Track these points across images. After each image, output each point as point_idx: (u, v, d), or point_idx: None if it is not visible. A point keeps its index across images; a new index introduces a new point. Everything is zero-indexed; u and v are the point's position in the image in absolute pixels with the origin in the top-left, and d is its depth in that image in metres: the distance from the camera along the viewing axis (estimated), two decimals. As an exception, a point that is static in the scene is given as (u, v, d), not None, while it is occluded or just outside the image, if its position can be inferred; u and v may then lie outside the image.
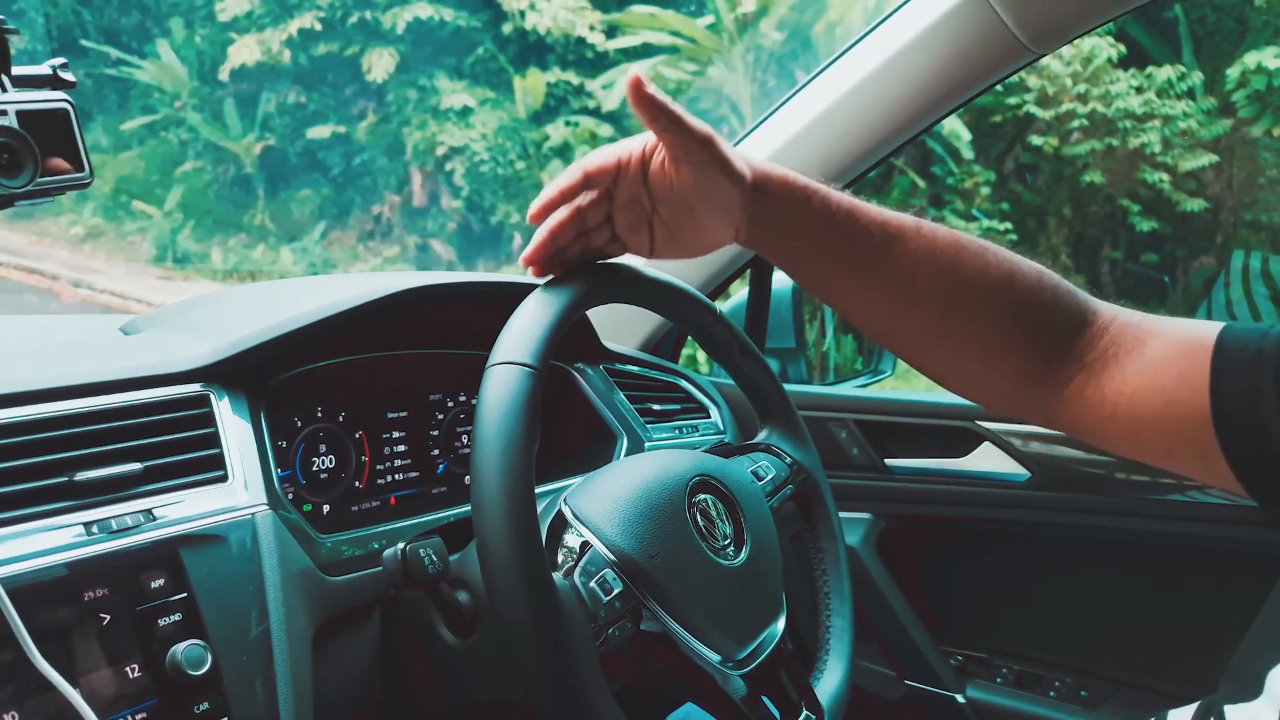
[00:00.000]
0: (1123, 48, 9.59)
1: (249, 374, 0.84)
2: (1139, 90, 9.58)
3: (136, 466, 0.72)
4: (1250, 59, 8.93)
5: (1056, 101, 9.88)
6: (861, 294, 0.79)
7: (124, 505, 0.71)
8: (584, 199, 0.76)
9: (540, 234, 0.76)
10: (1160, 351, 0.72)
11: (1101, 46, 9.48)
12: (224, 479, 0.76)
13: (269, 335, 0.83)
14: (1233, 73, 9.21)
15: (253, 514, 0.75)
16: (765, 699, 0.88)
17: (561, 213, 0.76)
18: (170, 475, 0.74)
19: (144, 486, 0.73)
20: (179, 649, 0.68)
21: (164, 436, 0.76)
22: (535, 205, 0.76)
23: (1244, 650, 0.63)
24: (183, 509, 0.73)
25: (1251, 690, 0.58)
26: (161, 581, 0.69)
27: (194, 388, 0.80)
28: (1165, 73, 9.56)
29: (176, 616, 0.69)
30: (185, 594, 0.70)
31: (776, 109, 1.27)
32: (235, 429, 0.80)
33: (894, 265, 0.75)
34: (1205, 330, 0.71)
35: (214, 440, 0.78)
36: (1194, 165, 9.73)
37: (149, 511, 0.71)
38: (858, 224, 0.75)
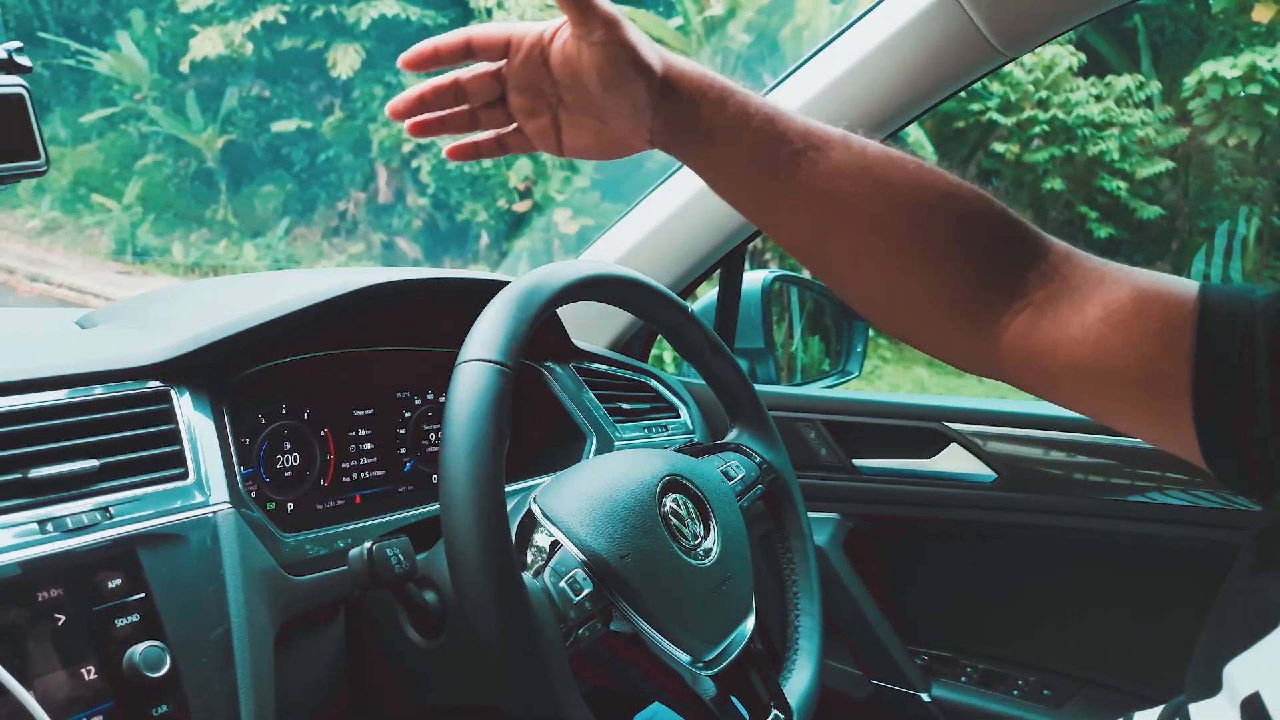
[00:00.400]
0: (1083, 56, 9.75)
1: (210, 370, 0.82)
2: (1098, 98, 9.75)
3: (93, 463, 0.70)
4: (1207, 68, 9.13)
5: (1018, 108, 10.02)
6: (784, 208, 0.72)
7: (80, 503, 0.69)
8: (465, 72, 0.72)
9: (412, 90, 0.73)
10: (1131, 301, 0.66)
11: (1063, 55, 9.63)
12: (184, 477, 0.75)
13: (230, 331, 0.82)
14: (1190, 81, 9.41)
15: (214, 512, 0.74)
16: (734, 699, 0.88)
17: (440, 79, 0.72)
18: (128, 472, 0.72)
19: (101, 484, 0.71)
20: (137, 650, 0.66)
21: (122, 433, 0.74)
22: (407, 54, 0.71)
23: (1200, 648, 0.63)
24: (141, 507, 0.71)
25: (1211, 687, 0.58)
26: (119, 581, 0.67)
27: (153, 383, 0.78)
28: (1124, 81, 9.74)
29: (134, 617, 0.67)
30: (143, 594, 0.68)
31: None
32: (196, 426, 0.78)
33: (816, 175, 0.69)
34: (1183, 287, 0.66)
35: (174, 437, 0.76)
36: (1151, 172, 9.92)
37: (106, 509, 0.69)
38: (776, 129, 0.69)
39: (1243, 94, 9.01)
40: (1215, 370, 0.63)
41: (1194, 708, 0.61)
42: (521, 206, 11.49)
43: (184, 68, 11.78)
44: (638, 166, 11.18)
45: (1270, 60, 8.72)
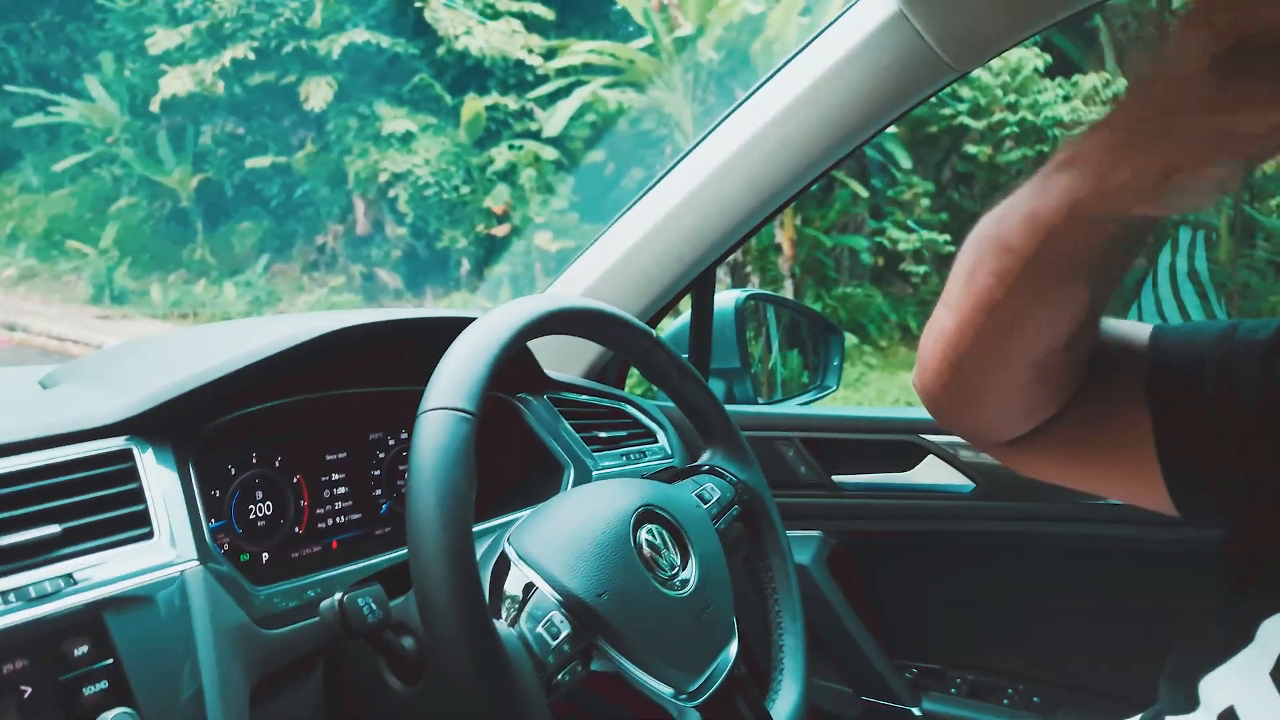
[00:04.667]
0: (1049, 57, 9.87)
1: (174, 424, 0.81)
2: (1066, 98, 9.87)
3: (55, 529, 0.69)
4: (1171, 64, 9.22)
5: (988, 112, 10.13)
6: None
7: (43, 570, 0.68)
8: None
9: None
10: (1099, 363, 0.67)
11: (1028, 57, 9.75)
12: (149, 535, 0.74)
13: (193, 384, 0.81)
14: (1155, 78, 9.50)
15: (181, 571, 0.72)
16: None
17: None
18: (92, 535, 0.71)
19: (64, 549, 0.69)
20: (107, 718, 0.65)
21: (85, 495, 0.73)
22: None
23: (1172, 663, 0.64)
24: (106, 570, 0.70)
25: (1189, 703, 0.58)
26: (85, 649, 0.66)
27: (116, 442, 0.77)
28: (1090, 80, 9.85)
29: (103, 684, 0.66)
30: (111, 660, 0.67)
31: (710, 132, 1.28)
32: (161, 482, 0.77)
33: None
34: (1139, 335, 0.67)
35: (138, 496, 0.75)
36: (1122, 169, 10.00)
37: (69, 575, 0.68)
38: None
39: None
40: (1172, 416, 0.64)
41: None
42: (500, 231, 11.51)
43: (155, 108, 11.77)
44: (614, 186, 11.24)
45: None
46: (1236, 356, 0.62)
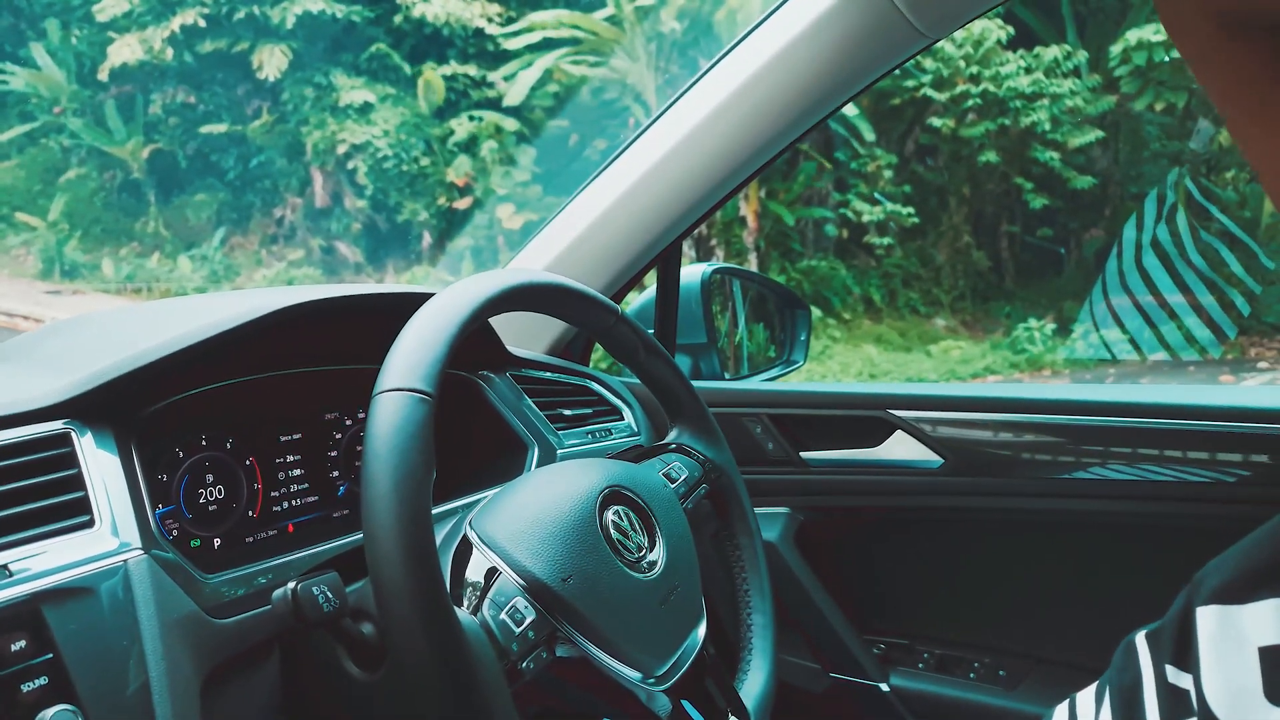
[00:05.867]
0: (1011, 29, 9.92)
1: (115, 407, 0.77)
2: (1028, 70, 9.93)
3: (-12, 518, 0.66)
4: (1132, 35, 9.32)
5: (951, 84, 10.16)
6: None
7: (-24, 562, 0.64)
8: None
9: None
10: None
11: (991, 29, 9.78)
12: (90, 524, 0.70)
13: (134, 364, 0.77)
14: (1116, 49, 9.61)
15: (124, 560, 0.69)
16: (691, 708, 0.86)
17: None
18: (29, 524, 0.68)
19: None
20: (47, 715, 0.61)
21: (20, 482, 0.69)
22: None
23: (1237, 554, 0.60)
24: (44, 561, 0.66)
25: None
26: (23, 644, 0.63)
27: (53, 426, 0.73)
28: (1052, 52, 9.92)
29: (42, 680, 0.63)
30: (51, 654, 0.64)
31: (673, 103, 1.25)
32: (101, 467, 0.73)
33: None
34: None
35: (78, 482, 0.71)
36: (1082, 141, 10.13)
37: (4, 567, 0.64)
38: None
39: (1167, 59, 9.23)
40: None
41: (1202, 611, 0.56)
42: (463, 204, 11.38)
43: (103, 76, 11.45)
44: (576, 157, 11.14)
45: (1192, 25, 8.92)
46: None
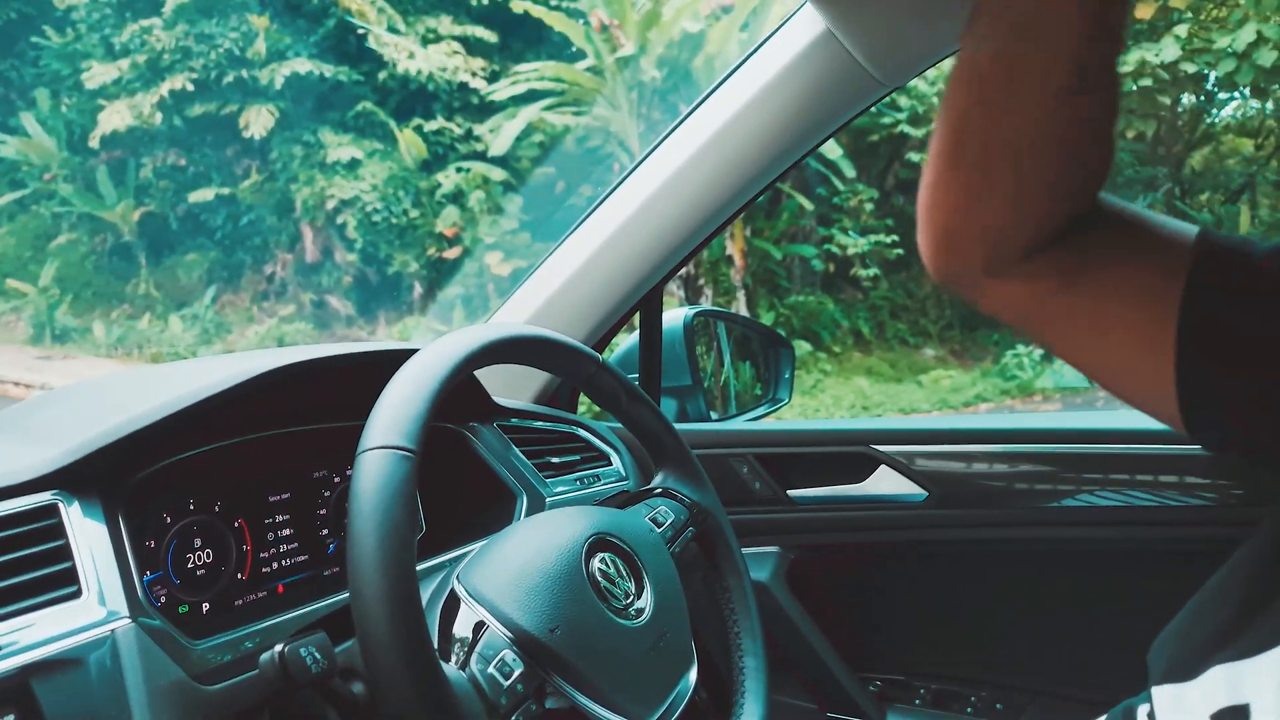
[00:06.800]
0: (985, 64, 10.07)
1: (102, 475, 0.78)
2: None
3: (-23, 592, 0.66)
4: (1102, 65, 9.45)
5: (927, 120, 10.30)
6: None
7: (-36, 636, 0.65)
8: None
9: None
10: (1143, 243, 0.63)
11: (965, 64, 9.93)
12: (77, 594, 0.71)
13: (119, 434, 0.78)
14: (1087, 80, 9.73)
15: (111, 630, 0.70)
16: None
17: None
18: (17, 597, 0.68)
19: None
20: (36, 788, 0.62)
21: (8, 555, 0.70)
22: None
23: (1179, 627, 0.61)
24: (33, 633, 0.67)
25: (1187, 672, 0.57)
26: (11, 718, 0.63)
27: (41, 497, 0.74)
28: (1026, 84, 10.06)
29: (32, 753, 0.63)
30: (40, 727, 0.64)
31: (650, 152, 1.28)
32: (88, 537, 0.74)
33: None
34: (1184, 230, 0.63)
35: (65, 553, 0.72)
36: (1058, 170, 10.23)
37: (-7, 641, 0.65)
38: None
39: (1134, 88, 9.38)
40: (1203, 315, 0.59)
41: (1157, 691, 0.60)
42: (452, 253, 11.44)
43: (93, 143, 11.55)
44: (563, 204, 11.23)
45: (1157, 54, 9.10)
46: None
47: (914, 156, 10.63)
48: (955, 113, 0.61)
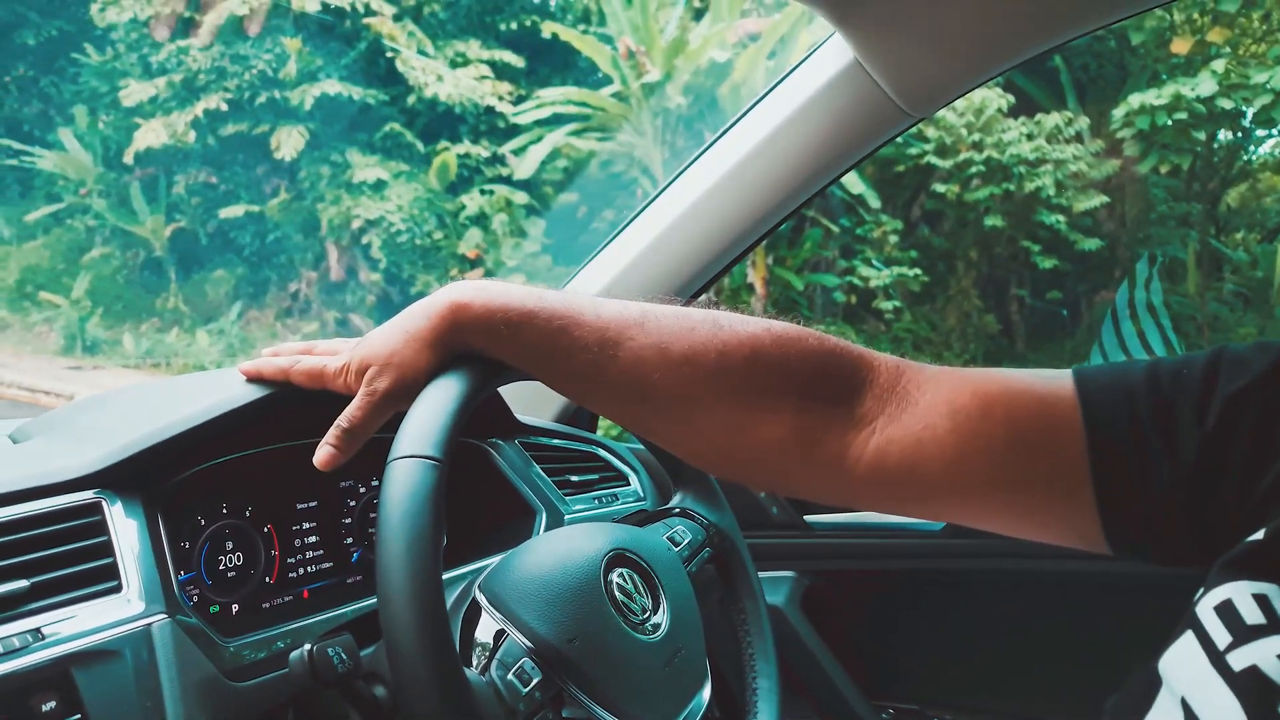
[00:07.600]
0: (1011, 97, 10.08)
1: (142, 477, 0.81)
2: (1029, 137, 10.06)
3: (23, 584, 0.69)
4: (1134, 100, 9.40)
5: (954, 151, 10.30)
6: (602, 400, 0.76)
7: (10, 625, 0.68)
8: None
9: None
10: (975, 405, 0.66)
11: (992, 98, 9.94)
12: (118, 589, 0.73)
13: (161, 437, 0.81)
14: (1118, 114, 9.69)
15: (149, 624, 0.72)
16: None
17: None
18: (60, 590, 0.71)
19: (32, 604, 0.69)
20: (74, 773, 0.64)
21: (53, 549, 0.73)
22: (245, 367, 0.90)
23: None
24: (74, 625, 0.70)
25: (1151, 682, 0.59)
26: (53, 704, 0.66)
27: (85, 495, 0.77)
28: (1053, 119, 10.05)
29: (70, 739, 0.66)
30: (79, 715, 0.67)
31: (674, 179, 1.30)
32: (129, 535, 0.77)
33: (620, 371, 0.72)
34: (1055, 381, 0.66)
35: (106, 549, 0.75)
36: (1087, 205, 10.19)
37: (38, 630, 0.68)
38: (568, 341, 0.73)
39: (1170, 122, 9.32)
40: (1111, 452, 0.62)
41: None
42: (474, 275, 11.54)
43: (128, 159, 11.76)
44: (585, 228, 11.31)
45: (1193, 89, 9.05)
46: (1175, 405, 0.61)
47: (940, 188, 10.63)
48: None
